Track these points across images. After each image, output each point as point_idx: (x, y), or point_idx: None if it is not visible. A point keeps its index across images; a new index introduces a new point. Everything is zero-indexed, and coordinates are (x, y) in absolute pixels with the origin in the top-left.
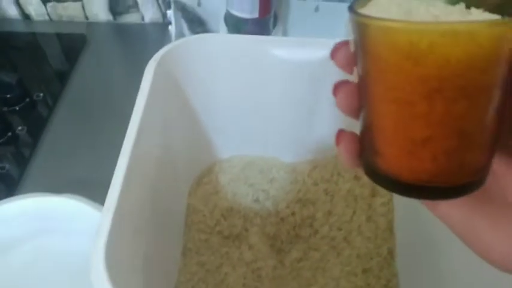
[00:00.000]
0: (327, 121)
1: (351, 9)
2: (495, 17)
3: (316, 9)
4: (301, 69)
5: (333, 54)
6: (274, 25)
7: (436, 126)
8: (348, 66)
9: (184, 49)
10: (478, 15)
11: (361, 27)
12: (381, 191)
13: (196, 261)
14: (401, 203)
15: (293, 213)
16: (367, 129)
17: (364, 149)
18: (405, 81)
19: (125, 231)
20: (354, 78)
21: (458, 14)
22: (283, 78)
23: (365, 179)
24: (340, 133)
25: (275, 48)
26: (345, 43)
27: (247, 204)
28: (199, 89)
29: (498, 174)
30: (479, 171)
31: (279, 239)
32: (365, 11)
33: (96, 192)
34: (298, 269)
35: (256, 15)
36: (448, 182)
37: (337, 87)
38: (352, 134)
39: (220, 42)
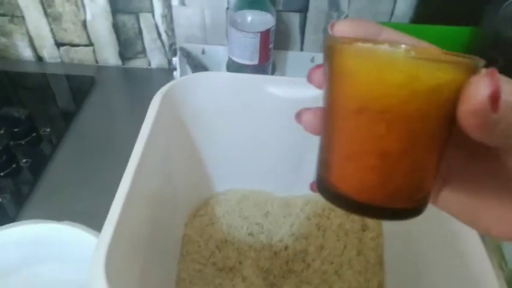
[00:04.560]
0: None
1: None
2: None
3: (312, 59)
4: (295, 107)
5: (310, 75)
6: (273, 73)
7: (360, 143)
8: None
9: (188, 84)
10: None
11: (323, 45)
12: (371, 225)
13: None
14: (390, 237)
15: (286, 247)
16: (320, 144)
17: (318, 166)
18: (340, 96)
19: (123, 251)
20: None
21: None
22: (278, 116)
23: None
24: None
25: (271, 86)
26: (320, 66)
27: (241, 237)
28: (199, 123)
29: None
30: (407, 199)
31: (272, 273)
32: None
33: (95, 224)
34: None
35: (256, 62)
36: (376, 202)
37: (298, 115)
38: None
39: (220, 79)
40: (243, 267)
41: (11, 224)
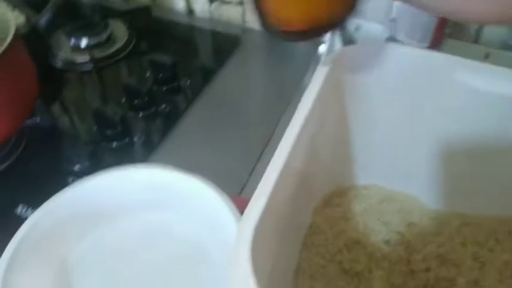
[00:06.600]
0: (504, 173)
1: None
2: None
3: (487, 55)
4: (493, 104)
5: None
6: None
7: None
8: None
9: (357, 56)
10: None
11: None
12: None
13: (308, 285)
14: None
15: (428, 269)
16: None
17: None
18: None
19: (266, 231)
20: None
21: None
22: (463, 110)
23: None
24: None
25: (466, 73)
26: None
27: (376, 243)
28: (359, 102)
29: None
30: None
31: None
32: None
33: (219, 182)
34: None
35: (426, 44)
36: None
37: None
38: None
39: (398, 54)
40: (372, 276)
41: (141, 165)
